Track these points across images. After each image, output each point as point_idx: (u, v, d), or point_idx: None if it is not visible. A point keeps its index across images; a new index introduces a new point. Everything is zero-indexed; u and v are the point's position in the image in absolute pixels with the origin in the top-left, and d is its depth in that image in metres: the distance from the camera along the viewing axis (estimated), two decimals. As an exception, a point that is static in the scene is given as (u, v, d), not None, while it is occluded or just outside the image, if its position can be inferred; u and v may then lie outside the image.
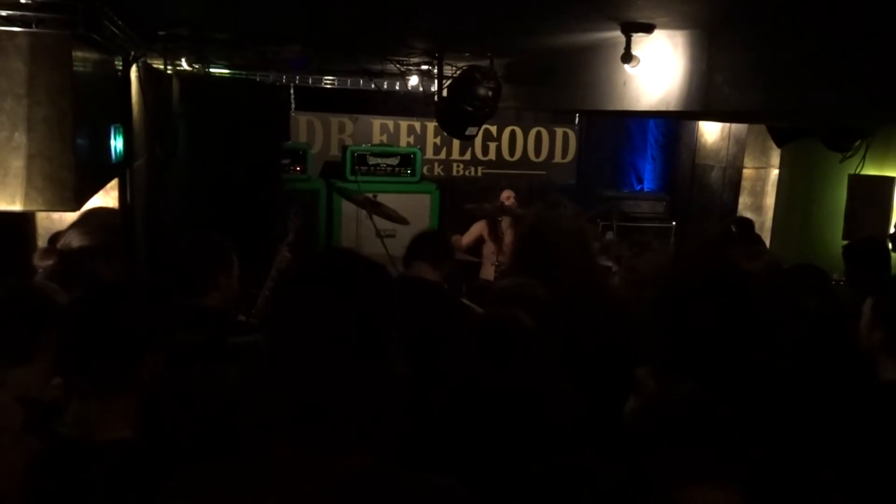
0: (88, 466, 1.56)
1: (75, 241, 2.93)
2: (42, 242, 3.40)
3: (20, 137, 2.26)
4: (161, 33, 4.07)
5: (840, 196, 5.61)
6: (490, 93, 4.41)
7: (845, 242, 4.75)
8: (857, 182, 5.43)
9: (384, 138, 7.52)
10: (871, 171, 5.39)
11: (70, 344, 1.66)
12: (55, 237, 3.12)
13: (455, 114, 4.57)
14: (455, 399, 1.79)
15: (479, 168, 7.90)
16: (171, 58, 4.85)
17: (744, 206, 6.76)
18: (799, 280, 3.26)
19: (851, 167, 5.45)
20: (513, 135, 7.90)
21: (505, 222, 5.93)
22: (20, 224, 3.49)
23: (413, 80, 6.12)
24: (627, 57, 3.21)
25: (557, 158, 8.06)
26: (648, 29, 3.14)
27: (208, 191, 4.72)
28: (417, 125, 7.60)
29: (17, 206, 2.29)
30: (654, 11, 2.88)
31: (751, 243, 4.78)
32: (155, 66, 4.88)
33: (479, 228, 6.17)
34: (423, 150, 7.29)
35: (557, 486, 1.71)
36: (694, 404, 1.68)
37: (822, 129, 5.24)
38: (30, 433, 1.49)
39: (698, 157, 7.29)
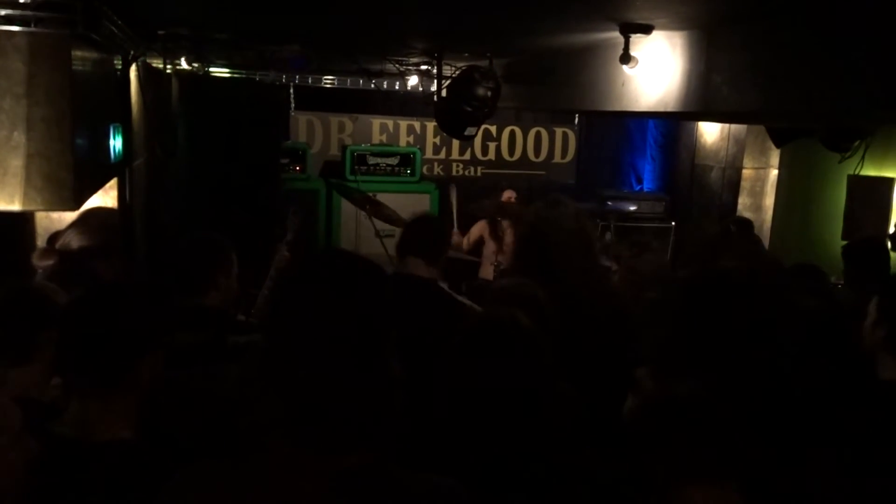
0: (88, 466, 1.56)
1: (74, 240, 2.92)
2: (41, 242, 3.39)
3: (19, 137, 2.25)
4: (160, 33, 4.07)
5: (839, 196, 5.61)
6: (489, 93, 4.41)
7: (844, 243, 4.75)
8: (857, 182, 5.43)
9: (384, 138, 7.52)
10: (870, 171, 5.39)
11: (69, 344, 1.66)
12: (54, 237, 3.12)
13: (454, 114, 4.57)
14: (454, 399, 1.79)
15: (479, 168, 7.90)
16: (171, 57, 4.85)
17: (743, 207, 6.77)
18: (798, 280, 3.27)
19: (851, 167, 5.45)
20: (512, 135, 7.90)
21: (505, 222, 5.92)
22: (19, 224, 3.49)
23: (413, 80, 6.13)
24: (626, 58, 3.21)
25: (557, 158, 8.07)
26: (647, 30, 3.14)
27: (208, 190, 4.73)
28: (417, 125, 7.60)
29: (15, 206, 2.28)
30: (653, 12, 2.88)
31: (750, 244, 4.78)
32: (154, 65, 4.88)
33: (479, 228, 6.17)
34: (422, 149, 7.29)
35: (557, 486, 1.71)
36: (694, 404, 1.68)
37: (821, 129, 5.24)
38: (29, 433, 1.49)
39: (698, 157, 7.30)
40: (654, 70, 3.36)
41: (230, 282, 2.75)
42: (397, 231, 5.47)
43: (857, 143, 5.29)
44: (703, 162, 7.20)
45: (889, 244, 4.62)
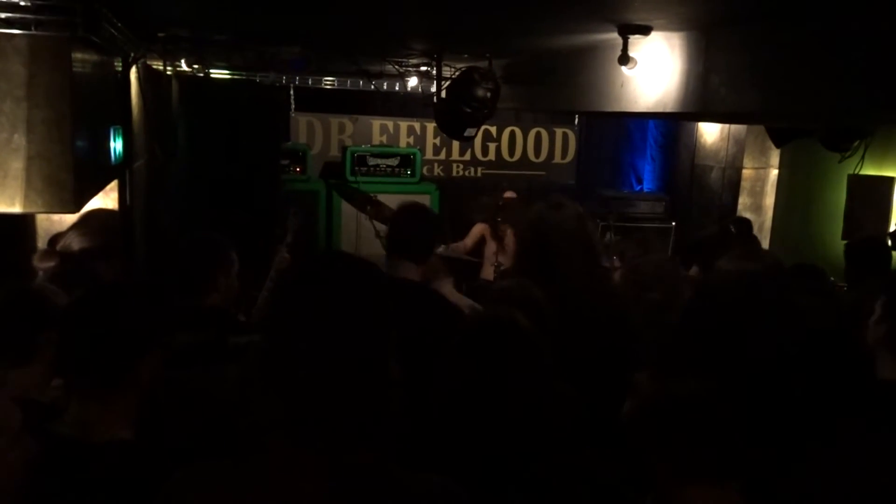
0: (87, 466, 1.56)
1: (75, 242, 2.93)
2: (42, 244, 3.40)
3: (19, 139, 2.26)
4: (160, 35, 4.08)
5: (839, 196, 5.61)
6: (488, 94, 4.41)
7: (845, 242, 4.75)
8: (857, 182, 5.43)
9: (384, 139, 7.52)
10: (870, 171, 5.40)
11: (69, 344, 1.66)
12: (55, 239, 3.13)
13: (454, 115, 4.58)
14: (453, 399, 1.79)
15: (479, 168, 7.91)
16: (171, 59, 4.86)
17: (743, 207, 6.77)
18: (799, 280, 3.27)
19: (850, 167, 5.45)
20: (512, 135, 7.91)
21: (504, 224, 5.92)
22: (20, 226, 3.49)
23: (412, 81, 6.13)
24: (624, 59, 3.21)
25: (557, 159, 8.07)
26: (645, 31, 3.15)
27: (208, 192, 4.73)
28: (417, 126, 7.60)
29: (16, 208, 2.29)
30: (651, 13, 2.88)
31: (749, 244, 4.78)
32: (154, 67, 4.88)
33: (479, 229, 6.17)
34: (422, 150, 7.30)
35: (557, 486, 1.71)
36: (694, 404, 1.68)
37: (821, 129, 5.24)
38: (29, 433, 1.49)
39: (698, 157, 7.30)
40: (653, 71, 3.37)
41: (230, 282, 2.75)
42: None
43: (856, 143, 5.29)
44: (703, 162, 7.21)
45: (889, 242, 4.62)
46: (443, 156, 7.79)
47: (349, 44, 4.64)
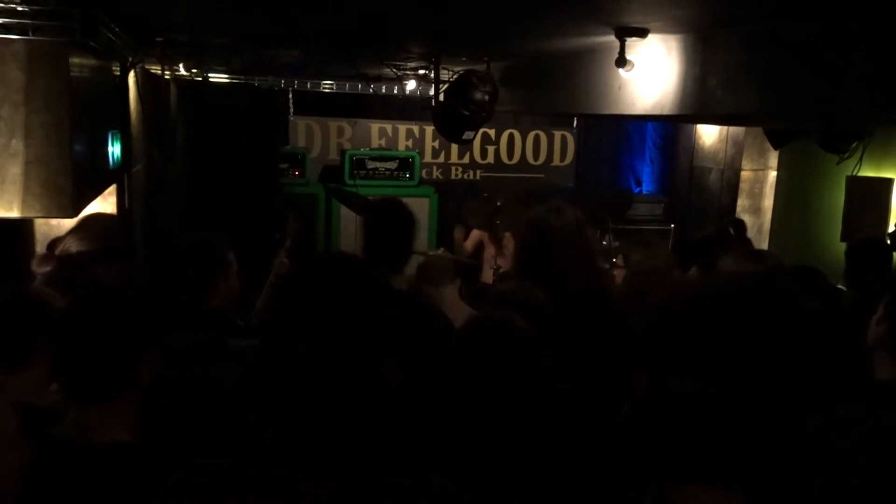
0: (87, 469, 1.56)
1: (74, 246, 2.93)
2: (40, 248, 3.40)
3: (17, 144, 2.27)
4: (158, 39, 4.08)
5: (838, 197, 5.61)
6: (487, 97, 4.42)
7: (843, 244, 4.75)
8: (855, 183, 5.43)
9: (383, 142, 7.53)
10: (868, 172, 5.40)
11: (67, 346, 1.66)
12: (54, 243, 3.13)
13: (452, 118, 4.58)
14: (452, 400, 1.80)
15: (478, 171, 7.91)
16: (169, 63, 4.86)
17: (742, 208, 6.77)
18: (799, 281, 3.27)
19: (849, 168, 5.45)
20: (511, 138, 7.91)
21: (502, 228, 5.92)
22: (18, 230, 3.49)
23: (411, 85, 6.14)
24: (622, 61, 3.22)
25: (556, 161, 8.07)
26: (642, 33, 3.15)
27: (207, 195, 4.73)
28: (416, 129, 7.61)
29: (14, 213, 2.29)
30: (648, 16, 2.89)
31: (744, 245, 4.79)
32: (153, 71, 4.89)
33: (478, 234, 6.17)
34: (421, 153, 7.30)
35: (557, 487, 1.71)
36: (695, 404, 1.68)
37: (818, 130, 5.25)
38: (27, 437, 1.49)
39: (696, 159, 7.31)
40: (650, 73, 3.38)
41: (230, 282, 2.75)
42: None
43: (854, 145, 5.30)
44: (702, 164, 7.21)
45: (889, 242, 4.62)
46: (441, 159, 7.79)
47: (348, 47, 4.65)
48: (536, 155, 8.02)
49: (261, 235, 4.46)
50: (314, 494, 1.14)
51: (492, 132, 7.74)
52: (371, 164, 6.82)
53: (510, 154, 7.95)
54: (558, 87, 4.61)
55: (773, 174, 6.77)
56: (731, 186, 6.82)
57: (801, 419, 2.10)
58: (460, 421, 1.77)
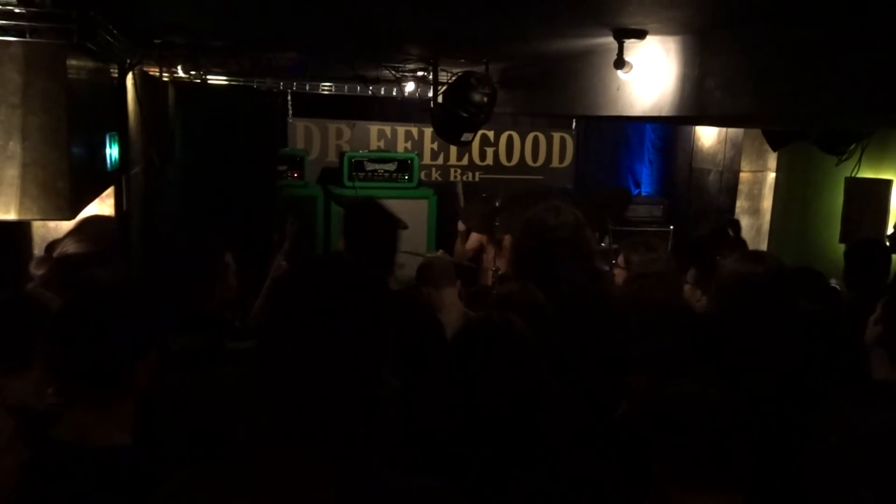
0: (84, 471, 1.56)
1: (71, 249, 2.93)
2: (38, 251, 3.40)
3: (14, 146, 2.26)
4: (156, 41, 4.08)
5: (837, 199, 5.62)
6: (485, 98, 4.42)
7: (842, 245, 4.75)
8: (854, 185, 5.44)
9: (381, 144, 7.53)
10: (867, 173, 5.40)
11: (64, 349, 1.66)
12: (52, 246, 3.13)
13: (450, 119, 4.58)
14: (451, 402, 1.79)
15: (477, 173, 7.91)
16: (167, 65, 4.86)
17: (741, 210, 6.77)
18: (801, 284, 3.27)
19: (848, 170, 5.45)
20: (510, 140, 7.91)
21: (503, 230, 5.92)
22: (16, 233, 3.49)
23: (410, 86, 6.14)
24: (620, 63, 3.22)
25: (555, 163, 8.07)
26: (640, 35, 3.15)
27: (205, 198, 4.73)
28: (415, 131, 7.61)
29: (11, 215, 2.29)
30: (646, 17, 2.88)
31: (739, 246, 4.80)
32: (151, 73, 4.89)
33: (477, 237, 6.17)
34: (420, 155, 7.30)
35: (557, 487, 1.71)
36: (698, 407, 1.68)
37: (817, 132, 5.25)
38: (24, 439, 1.49)
39: (695, 160, 7.31)
40: (649, 75, 3.38)
41: (227, 284, 2.75)
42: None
43: (853, 146, 5.30)
44: (701, 165, 7.22)
45: (888, 243, 4.62)
46: (440, 160, 7.79)
47: (346, 49, 4.64)
48: (535, 156, 8.02)
49: (259, 237, 4.46)
50: (312, 497, 1.14)
51: (491, 134, 7.74)
52: (370, 166, 6.82)
53: (509, 156, 7.95)
54: (557, 88, 4.61)
55: (771, 175, 6.77)
56: (730, 188, 6.82)
57: (800, 420, 2.10)
58: (458, 423, 1.77)
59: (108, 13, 2.71)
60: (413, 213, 6.46)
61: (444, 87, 4.74)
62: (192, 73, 5.57)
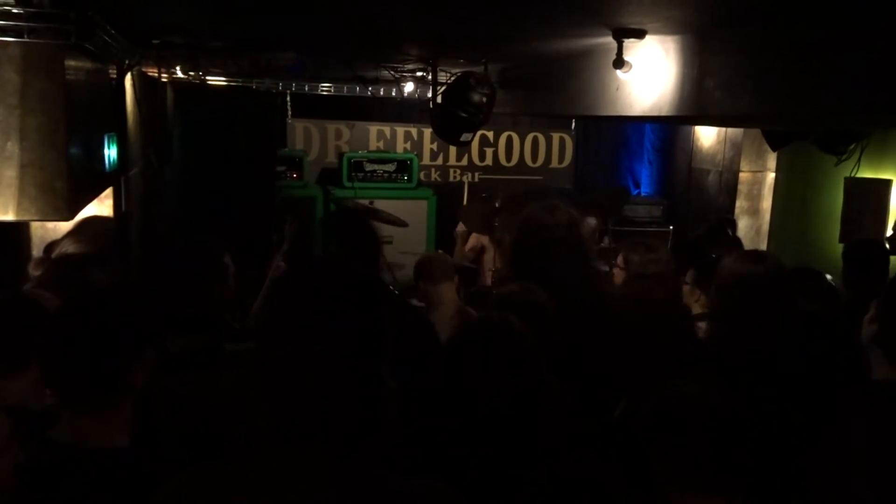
0: (82, 473, 1.56)
1: (70, 249, 2.93)
2: (37, 252, 3.40)
3: (13, 147, 2.26)
4: (155, 41, 4.08)
5: (836, 199, 5.62)
6: (484, 99, 4.42)
7: (842, 245, 4.75)
8: (854, 185, 5.44)
9: (381, 144, 7.53)
10: (866, 173, 5.40)
11: (62, 350, 1.65)
12: (50, 246, 3.13)
13: (450, 120, 4.58)
14: (449, 403, 1.79)
15: (477, 173, 7.91)
16: (166, 66, 4.86)
17: (740, 210, 6.78)
18: (802, 284, 3.26)
19: (847, 170, 5.46)
20: (509, 140, 7.91)
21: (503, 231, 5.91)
22: (14, 234, 3.49)
23: (409, 87, 6.14)
24: (619, 62, 3.22)
25: (554, 163, 8.08)
26: (640, 35, 3.15)
27: (204, 198, 4.73)
28: (414, 131, 7.61)
29: (9, 216, 2.28)
30: (646, 17, 2.88)
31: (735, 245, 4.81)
32: (149, 74, 4.89)
33: (476, 237, 6.16)
34: (419, 155, 7.30)
35: (557, 488, 1.70)
36: (700, 408, 1.68)
37: (816, 132, 5.25)
38: (20, 441, 1.48)
39: (695, 161, 7.31)
40: (648, 75, 3.37)
41: (226, 285, 2.75)
42: (395, 237, 5.47)
43: (852, 146, 5.30)
44: (701, 166, 7.22)
45: (887, 245, 4.62)
46: (440, 161, 7.79)
47: (345, 49, 4.64)
48: (535, 157, 8.02)
49: (258, 238, 4.46)
50: (312, 497, 1.14)
51: (490, 134, 7.75)
52: (369, 167, 6.82)
53: (508, 156, 7.95)
54: (556, 88, 4.61)
55: (771, 176, 6.77)
56: (730, 188, 6.82)
57: (800, 420, 2.10)
58: (458, 423, 1.77)
59: (107, 13, 2.71)
60: (412, 213, 6.47)
61: (444, 88, 4.74)
62: (191, 73, 5.57)
